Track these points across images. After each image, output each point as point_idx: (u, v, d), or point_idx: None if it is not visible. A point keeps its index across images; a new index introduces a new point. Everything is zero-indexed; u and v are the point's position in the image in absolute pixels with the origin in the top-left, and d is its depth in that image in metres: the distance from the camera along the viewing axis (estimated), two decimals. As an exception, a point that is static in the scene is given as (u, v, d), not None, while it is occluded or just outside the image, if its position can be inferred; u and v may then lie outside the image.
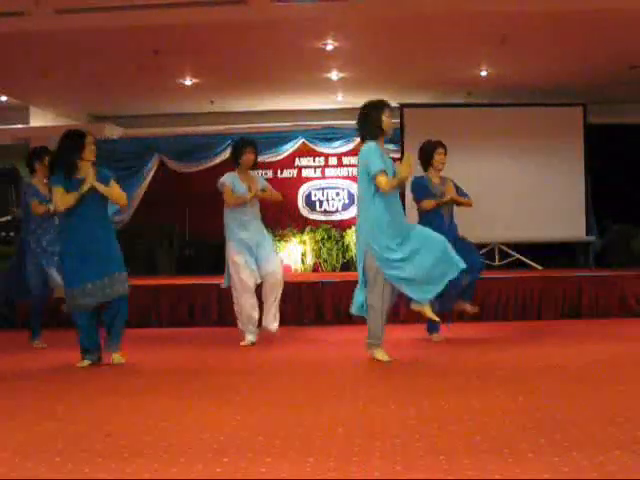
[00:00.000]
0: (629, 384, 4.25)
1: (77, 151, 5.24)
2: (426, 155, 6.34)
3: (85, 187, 5.16)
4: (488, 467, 2.64)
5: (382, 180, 5.10)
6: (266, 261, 6.40)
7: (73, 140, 5.28)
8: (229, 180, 6.37)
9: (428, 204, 6.20)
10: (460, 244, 6.09)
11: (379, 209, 5.15)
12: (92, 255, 5.17)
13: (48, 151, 6.46)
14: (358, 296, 5.30)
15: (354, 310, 5.37)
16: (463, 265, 5.21)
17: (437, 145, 6.32)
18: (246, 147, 6.42)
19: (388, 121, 5.29)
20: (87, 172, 5.21)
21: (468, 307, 6.34)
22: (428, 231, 5.32)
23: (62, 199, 5.16)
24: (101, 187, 5.21)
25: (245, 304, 6.29)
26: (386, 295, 5.17)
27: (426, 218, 6.19)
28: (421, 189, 6.27)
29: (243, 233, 6.34)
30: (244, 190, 6.31)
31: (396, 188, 5.21)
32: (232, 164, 6.52)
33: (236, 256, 6.27)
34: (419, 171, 6.30)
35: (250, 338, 6.31)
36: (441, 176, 6.36)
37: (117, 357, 5.39)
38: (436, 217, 6.23)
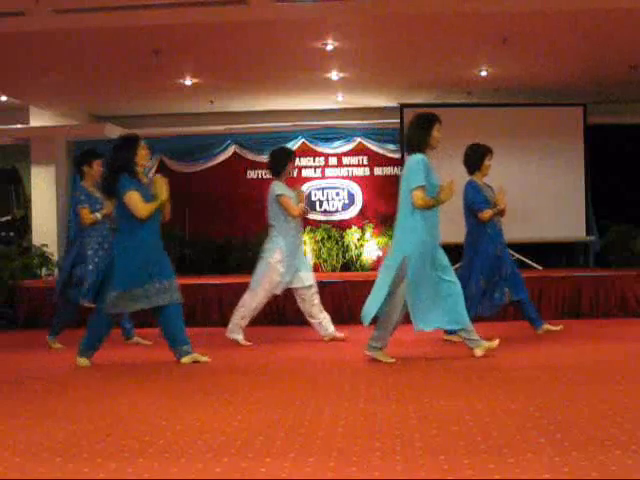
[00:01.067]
0: (629, 384, 4.25)
1: (134, 156, 5.29)
2: (475, 159, 6.23)
3: (163, 198, 5.28)
4: (488, 467, 2.64)
5: (418, 195, 5.07)
6: (310, 271, 6.66)
7: (128, 145, 5.33)
8: (284, 190, 6.42)
9: (488, 215, 6.14)
10: (511, 262, 6.29)
11: (418, 222, 5.12)
12: (149, 261, 5.27)
13: (96, 154, 6.53)
14: (371, 306, 5.20)
15: (367, 321, 5.23)
16: (452, 326, 5.28)
17: (488, 150, 6.23)
18: (294, 157, 6.65)
19: (438, 136, 5.26)
20: (162, 183, 5.32)
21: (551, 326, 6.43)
22: (450, 269, 5.30)
23: (145, 208, 5.22)
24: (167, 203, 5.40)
25: (260, 304, 6.42)
26: (404, 306, 5.16)
27: (483, 228, 6.15)
28: (480, 196, 6.16)
29: (289, 239, 6.44)
30: (294, 200, 6.43)
31: (430, 208, 5.16)
32: (274, 172, 6.53)
33: (280, 263, 6.35)
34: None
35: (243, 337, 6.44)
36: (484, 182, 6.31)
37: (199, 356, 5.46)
38: (492, 226, 6.23)
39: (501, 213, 6.31)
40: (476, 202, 6.16)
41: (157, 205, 5.27)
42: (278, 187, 6.44)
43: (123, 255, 5.26)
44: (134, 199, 5.19)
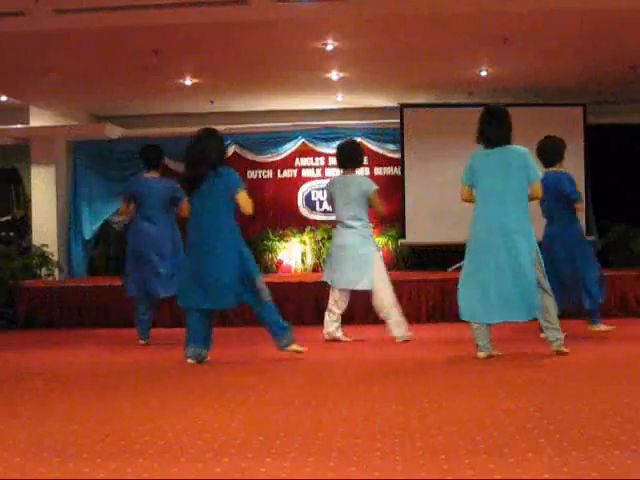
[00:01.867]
0: (629, 384, 4.26)
1: (222, 150, 5.23)
2: (555, 151, 6.23)
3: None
4: (488, 467, 2.64)
5: (541, 188, 5.11)
6: None
7: (219, 138, 5.23)
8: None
9: (582, 206, 6.17)
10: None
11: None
12: None
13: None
14: (533, 299, 5.13)
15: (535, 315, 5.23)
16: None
17: (564, 141, 6.27)
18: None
19: None
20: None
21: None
22: None
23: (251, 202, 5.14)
24: None
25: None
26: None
27: (576, 218, 6.16)
28: (574, 186, 6.13)
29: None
30: None
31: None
32: (349, 165, 6.51)
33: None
34: None
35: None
36: None
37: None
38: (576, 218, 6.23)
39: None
40: (574, 192, 6.15)
41: None
42: (371, 182, 6.41)
43: (241, 245, 5.22)
44: (247, 195, 5.05)
